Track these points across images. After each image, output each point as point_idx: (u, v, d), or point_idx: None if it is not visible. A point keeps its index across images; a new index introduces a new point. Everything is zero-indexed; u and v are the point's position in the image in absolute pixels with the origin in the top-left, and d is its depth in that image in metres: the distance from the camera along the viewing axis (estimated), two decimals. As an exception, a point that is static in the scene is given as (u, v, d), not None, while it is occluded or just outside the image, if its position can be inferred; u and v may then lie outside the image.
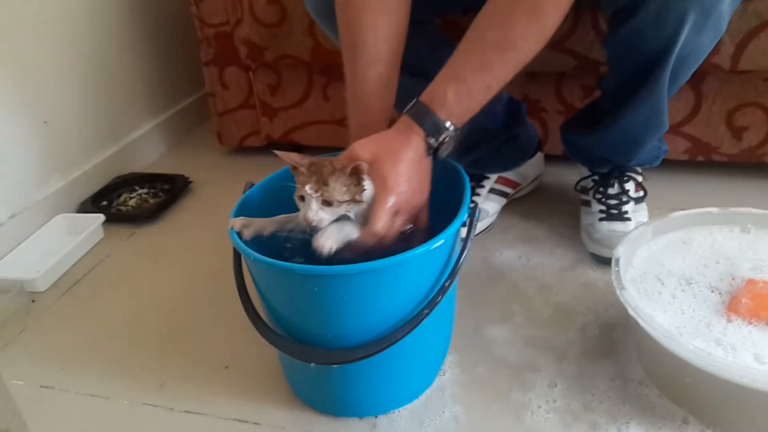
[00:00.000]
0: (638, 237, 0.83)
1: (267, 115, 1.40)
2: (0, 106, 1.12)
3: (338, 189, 0.65)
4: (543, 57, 1.09)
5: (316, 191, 0.65)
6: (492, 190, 1.13)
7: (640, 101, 0.90)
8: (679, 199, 1.12)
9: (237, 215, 0.74)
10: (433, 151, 0.72)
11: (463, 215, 0.70)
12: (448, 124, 0.70)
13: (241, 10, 1.27)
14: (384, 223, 0.67)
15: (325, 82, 1.33)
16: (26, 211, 1.17)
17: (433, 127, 0.70)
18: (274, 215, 0.78)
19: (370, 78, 0.78)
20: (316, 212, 0.66)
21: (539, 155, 1.19)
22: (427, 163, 0.72)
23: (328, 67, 1.29)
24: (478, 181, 1.12)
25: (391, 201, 0.67)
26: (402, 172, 0.69)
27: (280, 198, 0.83)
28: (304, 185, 0.66)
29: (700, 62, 0.87)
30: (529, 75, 1.16)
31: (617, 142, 0.99)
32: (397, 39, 0.79)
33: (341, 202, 0.66)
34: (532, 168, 1.18)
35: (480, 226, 1.08)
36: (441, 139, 0.70)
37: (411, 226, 0.73)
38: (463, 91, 0.70)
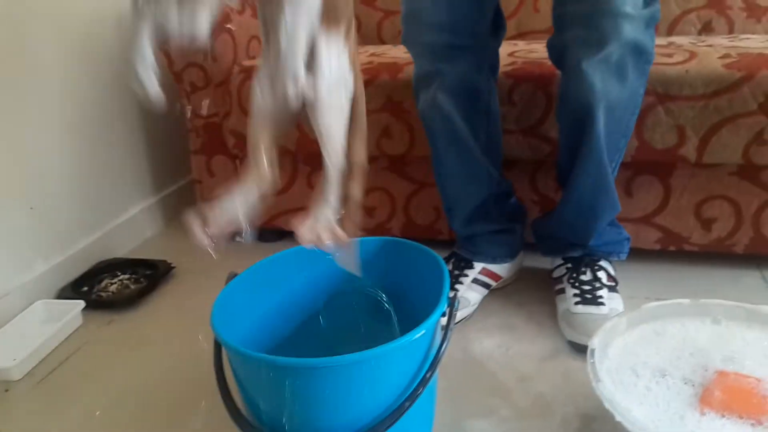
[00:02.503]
0: (613, 328, 0.85)
1: (252, 201, 1.43)
2: None
3: None
4: (518, 143, 1.16)
5: None
6: (475, 280, 1.15)
7: (584, 160, 0.98)
8: (653, 288, 1.16)
9: (219, 308, 0.75)
10: None
11: (443, 306, 0.72)
12: None
13: (230, 103, 1.32)
14: None
15: (309, 170, 1.37)
16: (7, 297, 1.16)
17: None
18: (259, 307, 0.79)
19: None
20: None
21: (522, 254, 1.23)
22: None
23: (312, 156, 1.33)
24: (462, 269, 1.15)
25: None
26: None
27: (264, 288, 0.85)
28: None
29: (635, 113, 0.98)
30: (506, 163, 1.21)
31: (574, 216, 1.06)
32: None
33: None
34: (515, 266, 1.21)
35: (460, 314, 1.10)
36: None
37: None
38: None
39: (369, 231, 1.37)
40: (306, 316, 0.89)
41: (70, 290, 1.27)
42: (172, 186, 1.67)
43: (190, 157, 1.43)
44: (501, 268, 1.18)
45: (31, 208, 1.23)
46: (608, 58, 0.90)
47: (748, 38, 1.26)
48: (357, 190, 0.67)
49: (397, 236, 1.37)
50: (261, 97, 0.63)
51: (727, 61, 1.05)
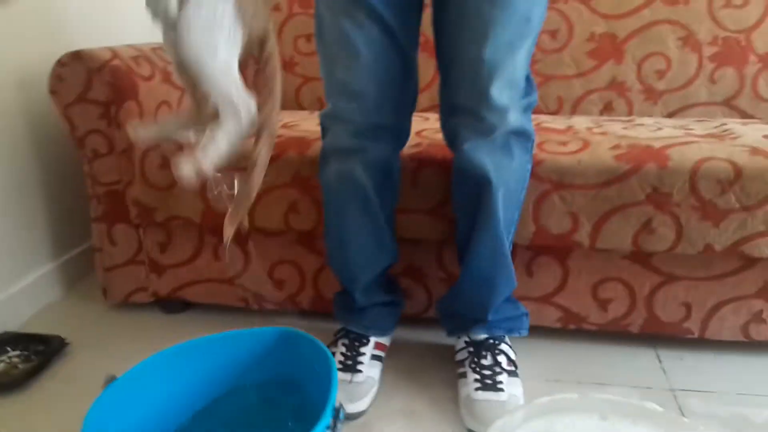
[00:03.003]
0: (507, 424, 0.85)
1: (155, 271, 1.38)
2: None
3: None
4: (423, 223, 1.17)
5: None
6: (373, 356, 1.14)
7: (481, 232, 1.03)
8: (554, 368, 1.18)
9: (93, 416, 0.71)
10: None
11: (327, 419, 0.70)
12: None
13: (132, 173, 1.28)
14: None
15: (216, 242, 1.34)
16: None
17: None
18: (140, 417, 0.75)
19: None
20: None
21: None
22: None
23: (218, 228, 1.30)
24: (358, 347, 1.14)
25: None
26: None
27: (148, 393, 0.81)
28: None
29: (525, 186, 1.06)
30: (411, 241, 1.22)
31: (473, 287, 1.10)
32: None
33: None
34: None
35: (369, 398, 1.09)
36: None
37: None
38: None
39: (279, 304, 1.36)
40: (188, 418, 0.86)
41: (-50, 372, 1.18)
42: (72, 251, 1.60)
43: (89, 223, 1.38)
44: (387, 339, 1.21)
45: None
46: (495, 141, 0.97)
47: (641, 124, 1.33)
48: (264, 155, 0.62)
49: (306, 309, 1.37)
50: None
51: (617, 152, 1.10)
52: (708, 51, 1.53)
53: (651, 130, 1.25)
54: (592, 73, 1.58)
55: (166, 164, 1.25)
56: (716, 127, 1.29)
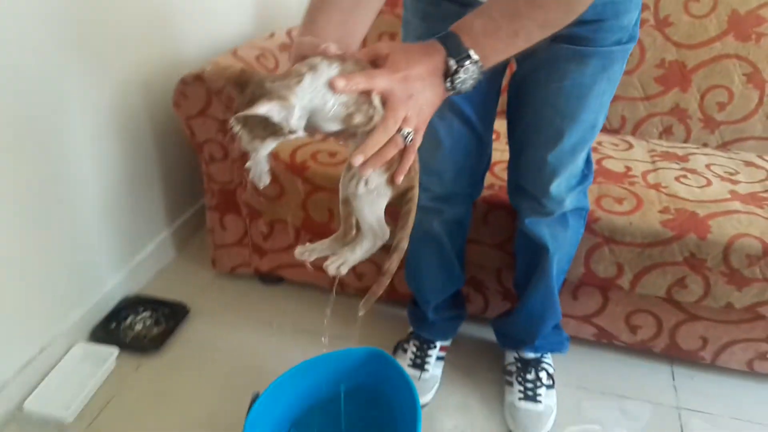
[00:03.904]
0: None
1: (257, 253, 1.65)
2: (32, 239, 1.30)
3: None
4: (489, 253, 1.39)
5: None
6: (437, 357, 1.42)
7: (537, 283, 1.25)
8: (584, 376, 1.46)
9: (251, 419, 1.00)
10: (451, 79, 0.71)
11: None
12: (471, 52, 0.70)
13: (246, 180, 1.51)
14: (396, 119, 0.69)
15: (311, 237, 1.58)
16: (52, 344, 1.39)
17: (455, 49, 0.70)
18: (275, 417, 1.04)
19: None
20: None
21: None
22: (439, 87, 0.72)
23: (315, 230, 1.54)
24: (426, 349, 1.41)
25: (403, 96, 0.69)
26: (416, 72, 0.70)
27: (279, 401, 1.10)
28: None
29: (576, 244, 1.26)
30: (478, 266, 1.44)
31: (525, 321, 1.33)
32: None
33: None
34: None
35: (433, 392, 1.38)
36: (461, 62, 0.70)
37: (410, 131, 0.71)
38: (490, 26, 0.72)
39: (357, 289, 1.62)
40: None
41: (102, 330, 1.50)
42: (182, 216, 1.87)
43: (200, 185, 1.61)
44: (449, 342, 1.48)
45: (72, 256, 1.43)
46: (553, 218, 1.16)
47: (694, 170, 1.48)
48: (393, 266, 0.84)
49: (382, 297, 1.63)
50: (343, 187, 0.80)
51: (664, 217, 1.28)
52: (771, 89, 1.63)
53: (700, 185, 1.41)
54: (657, 97, 1.70)
55: (274, 178, 1.47)
56: (761, 181, 1.44)
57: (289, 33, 1.82)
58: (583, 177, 1.16)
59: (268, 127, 0.66)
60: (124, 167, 1.56)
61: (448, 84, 0.71)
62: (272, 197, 1.50)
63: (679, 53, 1.66)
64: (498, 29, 0.72)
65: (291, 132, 0.67)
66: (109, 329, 1.52)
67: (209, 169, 1.56)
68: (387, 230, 0.82)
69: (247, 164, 0.75)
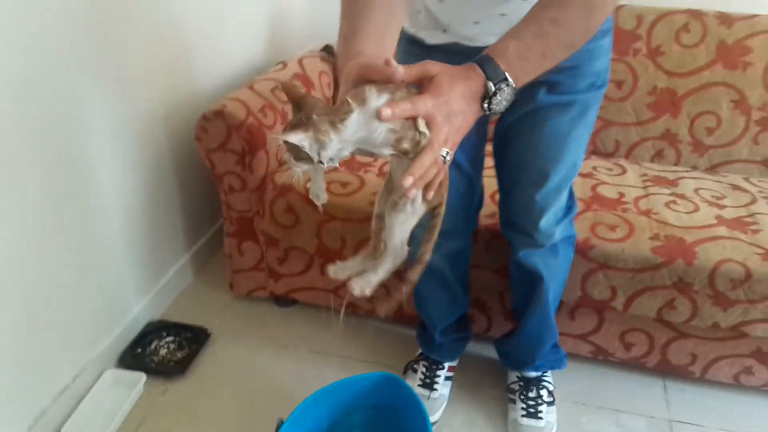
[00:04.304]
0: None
1: (273, 277, 1.75)
2: (64, 270, 1.39)
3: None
4: (490, 278, 1.48)
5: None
6: (446, 378, 1.52)
7: (534, 308, 1.34)
8: (581, 391, 1.55)
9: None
10: (488, 101, 0.77)
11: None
12: (506, 74, 0.76)
13: (261, 206, 1.61)
14: (440, 141, 0.74)
15: (323, 261, 1.68)
16: (84, 371, 1.49)
17: (493, 74, 0.75)
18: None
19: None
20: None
21: None
22: (476, 109, 0.77)
23: (328, 256, 1.64)
24: (435, 370, 1.51)
25: (444, 125, 0.74)
26: (457, 95, 0.74)
27: (312, 423, 1.19)
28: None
29: (568, 269, 1.36)
30: (480, 287, 1.54)
31: (525, 342, 1.43)
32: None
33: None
34: None
35: (441, 410, 1.47)
36: (498, 85, 0.75)
37: (449, 150, 0.77)
38: (523, 48, 0.78)
39: (367, 311, 1.71)
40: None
41: (129, 356, 1.59)
42: (199, 240, 1.97)
43: (216, 210, 1.72)
44: (456, 362, 1.57)
45: (99, 286, 1.53)
46: (544, 248, 1.26)
47: (683, 195, 1.58)
48: (415, 276, 0.92)
49: (389, 317, 1.72)
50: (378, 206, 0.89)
51: (654, 244, 1.38)
52: (756, 115, 1.72)
53: (688, 211, 1.50)
54: (649, 123, 1.79)
55: (290, 208, 1.57)
56: (746, 206, 1.53)
57: (300, 62, 1.91)
58: (568, 209, 1.26)
59: (301, 152, 0.71)
60: (147, 195, 1.66)
61: (485, 106, 0.77)
62: (288, 225, 1.59)
63: (670, 81, 1.76)
64: (529, 51, 0.78)
65: (321, 163, 0.71)
66: (136, 354, 1.61)
67: (228, 199, 1.65)
68: (406, 251, 0.89)
69: (307, 184, 0.82)
